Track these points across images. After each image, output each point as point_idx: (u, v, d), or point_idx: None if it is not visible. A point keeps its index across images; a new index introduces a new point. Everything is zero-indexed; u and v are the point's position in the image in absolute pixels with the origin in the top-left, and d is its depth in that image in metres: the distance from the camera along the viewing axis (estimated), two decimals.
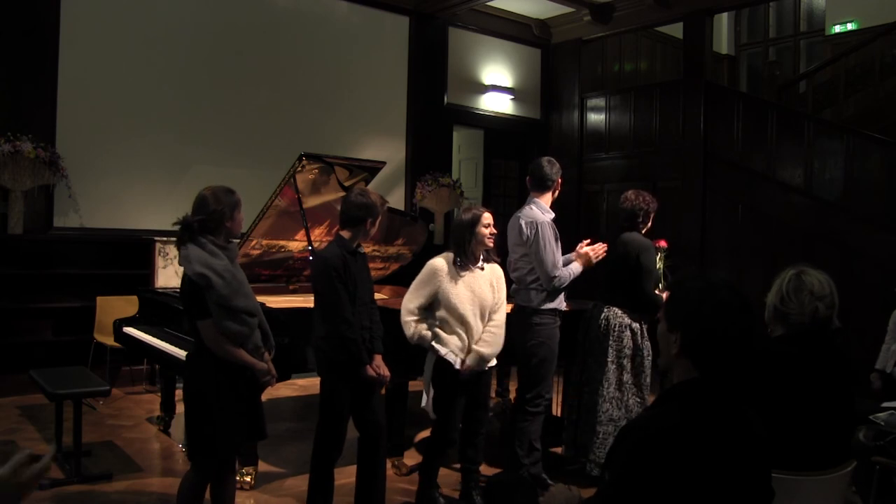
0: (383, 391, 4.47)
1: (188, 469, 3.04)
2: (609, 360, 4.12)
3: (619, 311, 4.15)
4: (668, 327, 1.66)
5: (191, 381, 3.00)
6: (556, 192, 4.09)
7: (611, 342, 4.13)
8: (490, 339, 3.63)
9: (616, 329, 4.13)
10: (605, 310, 4.19)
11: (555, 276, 3.87)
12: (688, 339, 1.62)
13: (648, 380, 4.22)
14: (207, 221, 2.88)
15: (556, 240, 3.95)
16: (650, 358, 4.18)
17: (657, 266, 4.24)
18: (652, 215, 4.26)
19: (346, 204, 3.36)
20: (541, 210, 3.98)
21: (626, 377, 4.14)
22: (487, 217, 3.62)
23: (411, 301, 3.60)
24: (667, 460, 1.50)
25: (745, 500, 1.58)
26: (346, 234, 3.34)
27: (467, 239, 3.58)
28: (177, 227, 2.90)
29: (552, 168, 4.01)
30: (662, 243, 4.31)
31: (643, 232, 4.27)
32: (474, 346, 3.59)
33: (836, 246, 6.71)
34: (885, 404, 3.72)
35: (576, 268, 4.00)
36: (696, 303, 1.63)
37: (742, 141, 7.55)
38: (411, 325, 3.58)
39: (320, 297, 3.33)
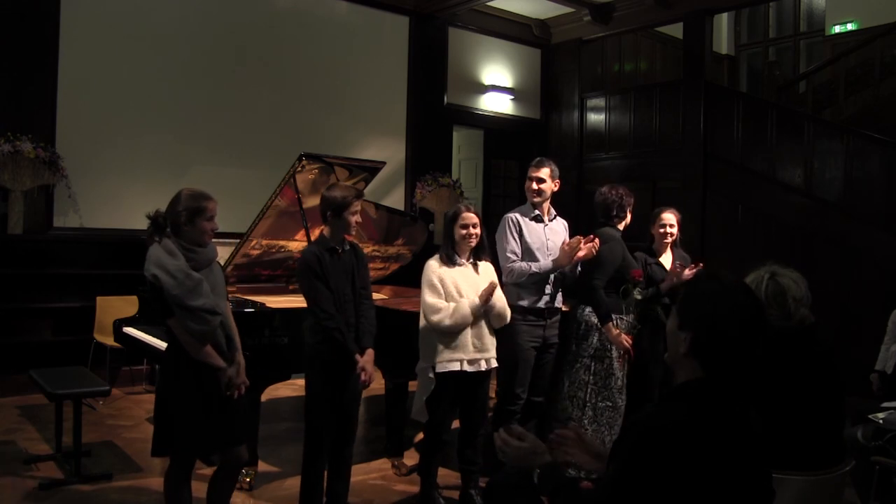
0: (383, 390, 4.49)
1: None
2: (573, 359, 4.10)
3: (589, 310, 4.07)
4: (679, 325, 1.66)
5: (160, 376, 3.11)
6: (539, 187, 3.96)
7: (578, 341, 4.09)
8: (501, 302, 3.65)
9: (583, 328, 4.08)
10: (580, 308, 4.12)
11: (506, 267, 3.87)
12: (698, 341, 1.61)
13: (620, 382, 4.05)
14: (168, 220, 2.91)
15: (517, 233, 3.92)
16: (621, 358, 4.04)
17: (632, 294, 4.05)
18: (628, 209, 4.23)
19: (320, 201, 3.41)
20: (520, 211, 4.04)
21: (590, 378, 4.04)
22: (466, 218, 3.60)
23: (429, 298, 3.57)
24: (671, 457, 1.51)
25: (747, 499, 1.59)
26: (325, 231, 3.41)
27: (449, 234, 3.66)
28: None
29: (532, 164, 4.03)
30: (637, 275, 4.09)
31: (621, 226, 4.23)
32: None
33: (836, 246, 6.71)
34: (885, 404, 3.71)
35: (544, 264, 3.87)
36: (710, 305, 1.62)
37: (742, 141, 7.55)
38: (445, 312, 3.52)
39: (303, 294, 3.40)
